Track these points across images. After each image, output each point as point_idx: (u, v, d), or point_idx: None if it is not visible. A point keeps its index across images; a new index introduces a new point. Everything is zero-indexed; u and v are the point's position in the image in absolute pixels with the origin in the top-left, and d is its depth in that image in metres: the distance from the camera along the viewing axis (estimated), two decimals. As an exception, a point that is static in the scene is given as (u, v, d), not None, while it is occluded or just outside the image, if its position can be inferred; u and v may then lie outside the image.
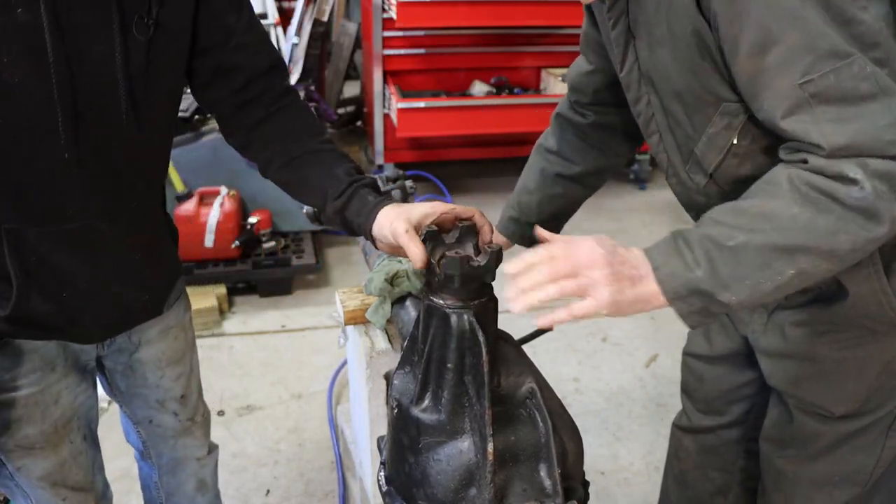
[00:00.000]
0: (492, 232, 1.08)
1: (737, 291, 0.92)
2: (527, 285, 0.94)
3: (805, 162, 0.92)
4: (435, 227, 1.00)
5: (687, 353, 1.64)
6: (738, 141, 1.07)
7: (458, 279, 0.91)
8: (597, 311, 0.94)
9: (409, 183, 1.78)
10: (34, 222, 1.13)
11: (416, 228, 1.06)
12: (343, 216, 1.18)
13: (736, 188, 1.12)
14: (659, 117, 1.19)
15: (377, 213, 1.13)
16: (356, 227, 1.17)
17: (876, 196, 0.87)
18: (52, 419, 1.28)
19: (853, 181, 0.88)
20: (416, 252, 1.01)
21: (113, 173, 1.16)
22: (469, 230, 1.00)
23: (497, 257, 0.93)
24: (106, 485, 1.47)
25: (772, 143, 1.06)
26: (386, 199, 1.15)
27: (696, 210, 1.27)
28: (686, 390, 1.66)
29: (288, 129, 1.26)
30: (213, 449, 1.68)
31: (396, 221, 1.07)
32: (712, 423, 1.62)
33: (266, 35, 1.30)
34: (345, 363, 2.86)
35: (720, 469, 1.64)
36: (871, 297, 1.18)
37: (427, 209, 1.08)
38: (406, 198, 1.76)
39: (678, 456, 1.71)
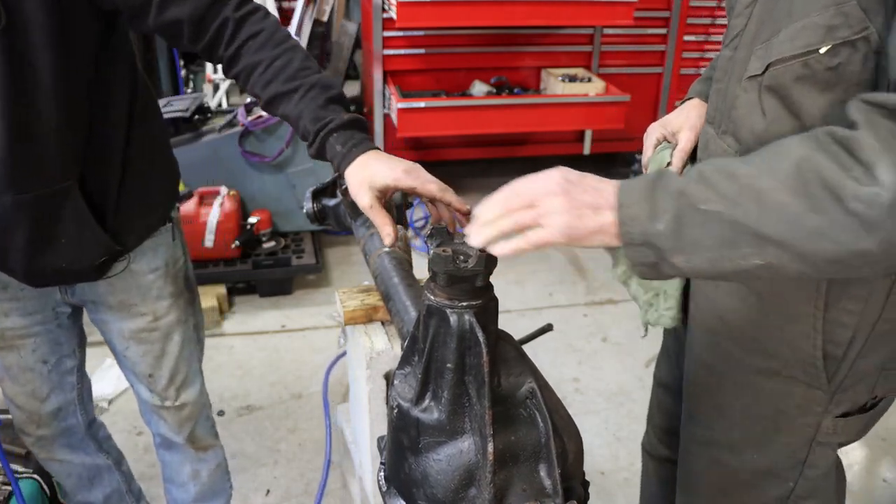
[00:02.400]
0: (459, 209, 1.08)
1: (691, 258, 0.83)
2: (484, 219, 0.89)
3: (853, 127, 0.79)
4: (444, 225, 0.99)
5: (655, 376, 1.60)
6: (823, 52, 0.91)
7: (443, 277, 0.91)
8: (551, 238, 0.88)
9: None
10: None
11: (381, 197, 1.06)
12: (325, 160, 1.18)
13: (763, 116, 1.01)
14: None
15: (345, 171, 1.13)
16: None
17: (889, 212, 0.74)
18: (1, 327, 1.47)
19: (874, 180, 0.74)
20: (385, 228, 1.02)
21: (6, 158, 1.21)
22: None
23: (488, 262, 0.92)
24: (70, 412, 1.64)
25: (840, 92, 0.93)
26: (352, 150, 1.13)
27: (714, 112, 1.17)
28: (650, 412, 1.63)
29: (256, 70, 1.22)
30: (205, 447, 1.74)
31: (360, 192, 1.08)
32: (668, 455, 1.58)
33: None
34: (336, 360, 2.86)
35: None
36: (804, 325, 1.10)
37: (389, 179, 1.08)
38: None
39: (646, 477, 1.70)
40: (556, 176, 0.89)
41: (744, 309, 1.17)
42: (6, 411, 2.18)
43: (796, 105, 0.99)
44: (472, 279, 0.91)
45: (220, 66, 1.30)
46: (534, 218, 0.88)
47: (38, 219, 1.30)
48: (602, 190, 0.88)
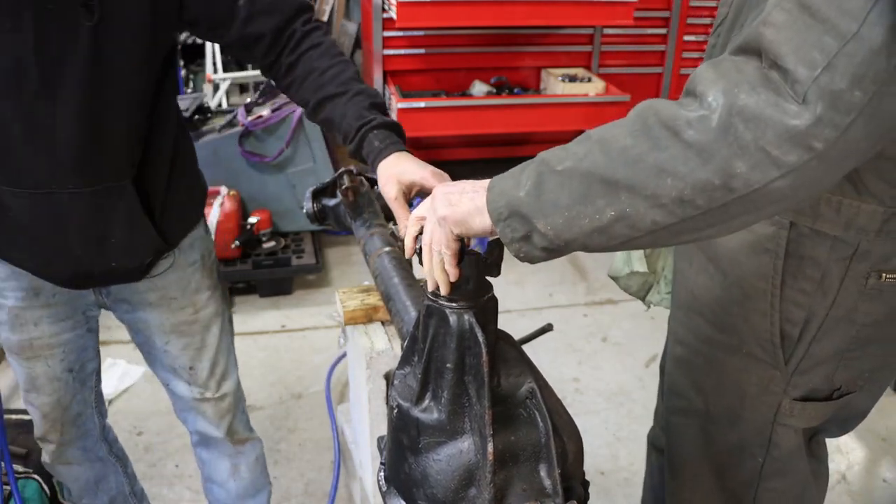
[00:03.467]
0: None
1: (553, 221, 0.82)
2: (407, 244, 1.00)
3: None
4: None
5: (661, 366, 1.61)
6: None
7: (475, 281, 0.91)
8: (437, 233, 0.92)
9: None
10: (7, 184, 1.28)
11: (407, 193, 1.14)
12: (362, 158, 1.25)
13: None
14: None
15: (378, 165, 1.20)
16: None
17: (718, 135, 0.72)
18: (29, 336, 1.46)
19: (702, 103, 0.73)
20: (403, 221, 1.11)
21: (76, 150, 1.25)
22: None
23: (500, 249, 0.93)
24: (88, 416, 1.65)
25: None
26: (389, 146, 1.21)
27: None
28: (657, 404, 1.64)
29: (311, 76, 1.32)
30: (243, 440, 1.76)
31: (388, 184, 1.16)
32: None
33: None
34: (338, 360, 2.86)
35: None
36: (761, 302, 1.14)
37: (417, 176, 1.16)
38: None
39: (650, 468, 1.71)
40: (436, 191, 0.94)
41: (710, 285, 1.21)
42: (17, 411, 2.19)
43: None
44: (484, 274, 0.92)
45: (252, 77, 1.40)
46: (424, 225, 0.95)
47: (92, 217, 1.33)
48: (479, 182, 0.92)
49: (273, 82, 1.39)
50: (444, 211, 0.91)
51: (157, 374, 1.66)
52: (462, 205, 0.90)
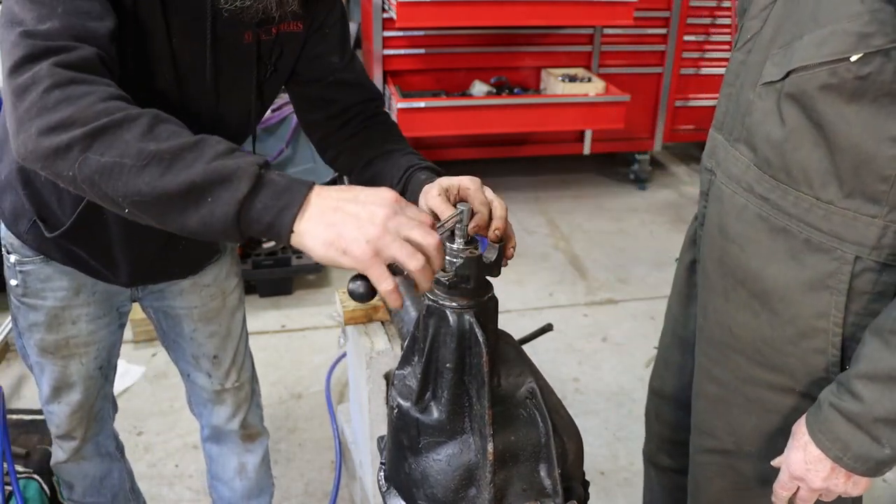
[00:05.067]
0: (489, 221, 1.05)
1: None
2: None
3: None
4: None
5: (651, 386, 1.57)
6: (854, 60, 0.89)
7: (474, 280, 0.91)
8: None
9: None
10: None
11: (449, 194, 1.07)
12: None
13: (781, 124, 1.00)
14: None
15: (423, 188, 1.16)
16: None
17: None
18: (66, 335, 1.47)
19: None
20: (435, 212, 1.03)
21: None
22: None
23: (502, 252, 0.93)
24: (105, 411, 1.66)
25: (867, 102, 0.91)
26: (434, 178, 1.19)
27: (723, 117, 1.15)
28: (647, 422, 1.60)
29: (369, 140, 1.38)
30: (254, 435, 1.78)
31: (431, 187, 1.10)
32: (666, 465, 1.56)
33: (364, 75, 1.45)
34: (338, 360, 2.86)
35: None
36: (819, 341, 1.09)
37: (456, 180, 1.11)
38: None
39: (649, 484, 1.67)
40: (800, 468, 1.10)
41: (755, 323, 1.14)
42: (17, 411, 2.19)
43: (819, 114, 0.96)
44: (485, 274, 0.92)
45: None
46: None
47: None
48: (815, 455, 1.07)
49: (322, 146, 1.44)
50: (819, 484, 1.10)
51: (178, 364, 1.68)
52: (849, 488, 1.12)
